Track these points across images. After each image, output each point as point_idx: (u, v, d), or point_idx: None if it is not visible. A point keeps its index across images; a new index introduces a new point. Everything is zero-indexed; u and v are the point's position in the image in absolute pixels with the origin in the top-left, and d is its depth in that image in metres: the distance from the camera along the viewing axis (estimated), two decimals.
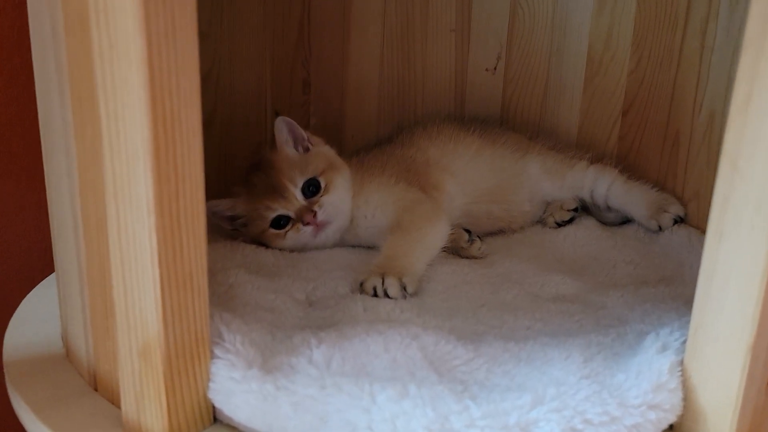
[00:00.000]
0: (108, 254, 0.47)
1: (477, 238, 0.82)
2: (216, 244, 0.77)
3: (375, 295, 0.67)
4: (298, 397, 0.48)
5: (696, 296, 0.51)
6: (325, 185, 0.79)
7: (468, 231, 0.82)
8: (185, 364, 0.48)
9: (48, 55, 0.52)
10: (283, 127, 0.81)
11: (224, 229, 0.82)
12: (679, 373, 0.51)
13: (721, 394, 0.50)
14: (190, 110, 0.44)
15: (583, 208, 0.94)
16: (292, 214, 0.78)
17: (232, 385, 0.49)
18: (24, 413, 0.54)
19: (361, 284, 0.69)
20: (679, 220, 0.84)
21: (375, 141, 1.02)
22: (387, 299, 0.66)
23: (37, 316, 0.67)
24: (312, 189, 0.78)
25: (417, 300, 0.68)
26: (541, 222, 0.92)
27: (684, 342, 0.53)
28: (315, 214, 0.77)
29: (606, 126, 1.00)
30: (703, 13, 0.85)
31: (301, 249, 0.80)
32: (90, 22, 0.43)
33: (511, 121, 1.06)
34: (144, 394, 0.48)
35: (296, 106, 1.09)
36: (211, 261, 0.69)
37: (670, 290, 0.71)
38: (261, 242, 0.81)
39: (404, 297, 0.67)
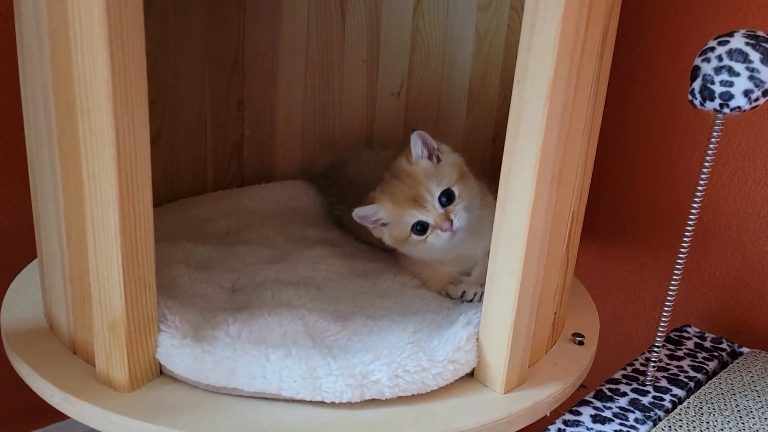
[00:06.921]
0: (87, 263, 0.70)
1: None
2: (161, 244, 0.99)
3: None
4: (217, 357, 0.72)
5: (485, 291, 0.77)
6: (459, 194, 0.88)
7: None
8: (140, 335, 0.72)
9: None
10: (418, 141, 0.90)
11: (365, 228, 0.94)
12: (475, 340, 0.77)
13: (498, 354, 0.76)
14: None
15: None
16: (431, 221, 0.88)
17: (172, 349, 0.73)
18: (24, 371, 0.76)
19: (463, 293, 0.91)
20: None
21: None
22: None
23: (23, 298, 0.89)
24: (445, 198, 0.88)
25: (315, 289, 0.92)
26: None
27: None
28: (451, 222, 0.87)
29: (482, 149, 1.26)
30: None
31: (436, 253, 0.91)
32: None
33: None
34: (112, 356, 0.71)
35: (232, 120, 1.30)
36: (157, 259, 0.92)
37: None
38: (394, 245, 0.92)
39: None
